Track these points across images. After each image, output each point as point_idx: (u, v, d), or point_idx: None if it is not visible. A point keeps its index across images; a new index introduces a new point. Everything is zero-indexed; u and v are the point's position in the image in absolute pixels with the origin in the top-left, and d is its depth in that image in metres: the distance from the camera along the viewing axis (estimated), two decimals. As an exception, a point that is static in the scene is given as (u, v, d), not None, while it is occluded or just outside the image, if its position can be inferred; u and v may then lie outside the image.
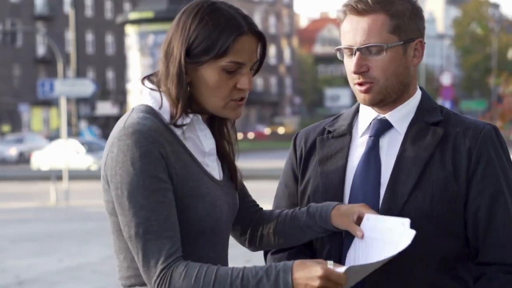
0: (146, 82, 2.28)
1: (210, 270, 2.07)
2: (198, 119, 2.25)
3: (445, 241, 2.32)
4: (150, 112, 2.20)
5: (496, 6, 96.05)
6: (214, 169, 2.29)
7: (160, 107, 2.21)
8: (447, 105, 47.64)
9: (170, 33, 2.23)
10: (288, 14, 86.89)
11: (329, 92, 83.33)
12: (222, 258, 2.28)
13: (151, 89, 2.25)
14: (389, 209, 2.31)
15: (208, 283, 2.06)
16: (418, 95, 2.46)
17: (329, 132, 2.51)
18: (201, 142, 2.26)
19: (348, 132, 2.47)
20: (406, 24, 2.36)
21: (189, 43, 2.18)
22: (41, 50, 65.71)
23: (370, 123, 2.44)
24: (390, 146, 2.40)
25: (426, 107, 2.44)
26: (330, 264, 2.05)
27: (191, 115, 2.23)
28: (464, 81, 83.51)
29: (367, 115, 2.46)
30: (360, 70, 2.34)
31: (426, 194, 2.31)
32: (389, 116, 2.42)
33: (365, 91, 2.36)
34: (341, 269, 2.04)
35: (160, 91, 2.23)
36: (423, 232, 2.23)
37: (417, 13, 2.39)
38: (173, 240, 2.11)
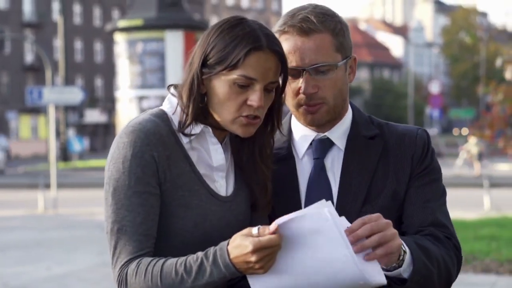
0: (172, 88, 2.30)
1: (159, 262, 2.09)
2: (209, 131, 2.25)
3: None
4: (160, 116, 2.23)
5: (484, 14, 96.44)
6: (222, 185, 2.28)
7: (174, 113, 2.24)
8: (436, 113, 47.71)
9: (197, 44, 2.25)
10: (277, 21, 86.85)
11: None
12: None
13: (172, 94, 2.28)
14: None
15: (156, 275, 2.07)
16: (350, 109, 2.46)
17: None
18: (209, 156, 2.26)
19: (290, 155, 2.42)
20: (346, 41, 2.36)
21: (207, 53, 2.19)
22: (29, 58, 65.55)
23: (311, 143, 2.41)
24: (335, 165, 2.40)
25: (359, 120, 2.44)
26: (255, 230, 2.00)
27: (201, 126, 2.23)
28: (452, 90, 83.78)
29: (304, 134, 2.42)
30: (312, 91, 2.31)
31: (376, 206, 2.32)
32: (329, 134, 2.40)
33: (314, 112, 2.34)
34: (270, 228, 1.98)
35: (178, 98, 2.25)
36: None
37: (347, 29, 2.39)
38: (142, 244, 2.14)
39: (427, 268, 2.21)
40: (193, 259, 2.06)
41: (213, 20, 64.05)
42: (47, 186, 21.02)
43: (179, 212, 2.18)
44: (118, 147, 2.17)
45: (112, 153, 2.19)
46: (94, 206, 18.84)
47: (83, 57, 69.49)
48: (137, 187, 2.14)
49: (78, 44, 68.88)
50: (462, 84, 78.60)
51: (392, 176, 2.35)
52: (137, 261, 2.11)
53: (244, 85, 2.17)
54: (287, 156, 2.42)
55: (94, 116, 65.66)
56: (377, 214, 2.07)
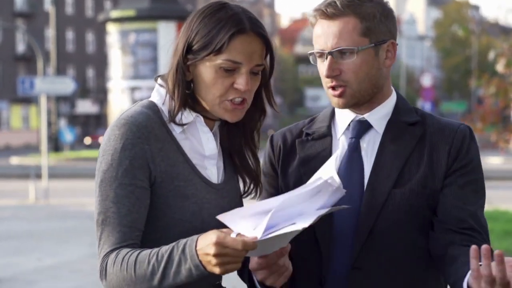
0: (159, 79, 2.30)
1: (134, 253, 2.09)
2: (201, 121, 2.26)
3: (423, 236, 2.35)
4: (150, 107, 2.22)
5: (476, 8, 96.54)
6: (213, 172, 2.29)
7: (163, 103, 2.24)
8: (427, 106, 47.87)
9: (181, 31, 2.25)
10: (270, 13, 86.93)
11: (309, 92, 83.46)
12: None
13: (160, 85, 2.28)
14: (370, 208, 2.33)
15: (131, 265, 2.07)
16: (393, 96, 2.48)
17: (307, 134, 2.51)
18: (201, 145, 2.27)
19: (328, 134, 2.48)
20: (377, 26, 2.37)
21: (191, 39, 2.19)
22: (21, 47, 65.33)
23: (349, 124, 2.45)
24: (370, 147, 2.43)
25: (402, 108, 2.47)
26: (234, 233, 1.99)
27: (193, 115, 2.23)
28: (444, 83, 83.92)
29: (345, 116, 2.47)
30: (333, 74, 2.36)
31: (405, 191, 2.34)
32: (368, 116, 2.43)
33: (339, 95, 2.38)
34: (248, 237, 1.97)
35: (165, 88, 2.25)
36: (402, 228, 2.31)
37: (388, 14, 2.40)
38: (126, 236, 2.13)
39: None
40: (165, 248, 2.05)
41: (206, 11, 63.70)
42: (38, 176, 20.96)
43: (176, 203, 2.18)
44: (109, 139, 2.17)
45: (103, 145, 2.18)
46: (85, 197, 18.80)
47: (75, 47, 69.29)
48: (124, 179, 2.14)
49: (70, 34, 68.66)
50: (454, 77, 78.70)
51: (426, 164, 2.36)
52: (116, 251, 2.12)
53: (230, 69, 2.18)
54: (325, 134, 2.48)
55: (85, 106, 65.53)
56: None
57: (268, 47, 2.25)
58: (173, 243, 2.05)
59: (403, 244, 2.32)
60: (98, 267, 2.17)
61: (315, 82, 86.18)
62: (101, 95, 63.51)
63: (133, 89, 20.77)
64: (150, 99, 2.27)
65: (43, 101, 21.03)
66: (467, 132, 2.40)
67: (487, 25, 79.12)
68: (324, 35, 2.36)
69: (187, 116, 2.23)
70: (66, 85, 22.53)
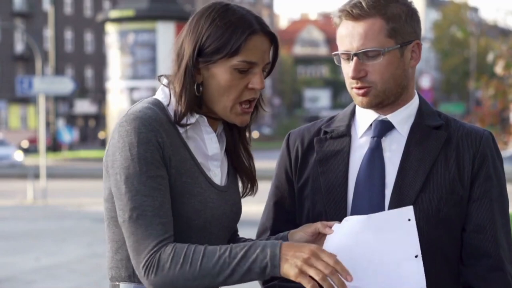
0: (162, 78, 2.30)
1: (199, 248, 2.07)
2: (204, 121, 2.25)
3: (450, 243, 2.33)
4: (156, 104, 2.22)
5: (475, 9, 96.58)
6: (216, 174, 2.29)
7: (168, 104, 2.24)
8: (426, 107, 47.87)
9: (183, 34, 2.25)
10: (268, 14, 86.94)
11: (308, 93, 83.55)
12: None
13: (164, 85, 2.27)
14: None
15: (196, 260, 2.05)
16: (416, 98, 2.47)
17: (326, 132, 2.49)
18: (205, 145, 2.27)
19: (347, 133, 2.46)
20: (403, 27, 2.35)
21: (202, 42, 2.19)
22: (19, 47, 65.32)
23: (371, 124, 2.43)
24: (392, 147, 2.41)
25: (425, 111, 2.45)
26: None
27: (196, 116, 2.23)
28: (443, 84, 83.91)
29: (366, 116, 2.45)
30: (358, 75, 2.34)
31: (433, 197, 2.32)
32: (391, 117, 2.42)
33: (363, 94, 2.36)
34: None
35: (169, 89, 2.25)
36: (429, 234, 2.28)
37: (413, 15, 2.39)
38: (166, 227, 2.11)
39: None
40: (240, 246, 2.06)
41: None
42: (37, 176, 20.95)
43: (183, 198, 2.18)
44: (122, 136, 2.14)
45: (116, 143, 2.15)
46: (84, 197, 18.80)
47: (74, 47, 69.29)
48: (149, 172, 2.12)
49: (68, 34, 68.67)
50: (453, 79, 78.70)
51: (453, 169, 2.35)
52: (172, 245, 2.08)
53: (244, 70, 2.19)
54: (344, 133, 2.46)
55: (84, 106, 65.50)
56: None
57: (275, 45, 2.27)
58: (247, 243, 2.07)
59: (429, 251, 2.26)
60: (138, 263, 2.10)
61: (314, 83, 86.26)
62: (99, 95, 63.49)
63: (131, 89, 20.75)
64: (155, 97, 2.27)
65: (41, 101, 21.02)
66: (490, 139, 2.39)
67: (486, 27, 79.10)
68: (349, 36, 2.34)
69: (191, 117, 2.23)
70: (65, 85, 22.52)
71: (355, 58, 2.33)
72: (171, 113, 2.22)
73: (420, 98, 2.47)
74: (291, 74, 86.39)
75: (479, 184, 2.35)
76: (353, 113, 2.50)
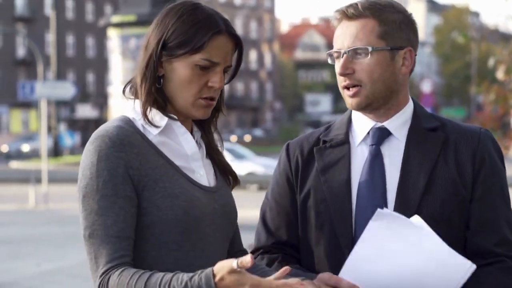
0: (127, 91, 2.33)
1: (143, 277, 2.07)
2: (176, 123, 2.28)
3: (454, 244, 2.31)
4: (122, 120, 2.26)
5: (476, 14, 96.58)
6: (202, 175, 2.30)
7: (138, 118, 2.26)
8: (427, 112, 47.82)
9: (151, 29, 2.29)
10: (270, 19, 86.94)
11: (309, 97, 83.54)
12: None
13: (127, 97, 2.31)
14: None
15: (139, 287, 2.06)
16: (411, 103, 2.49)
17: (325, 142, 2.51)
18: (181, 146, 2.29)
19: (346, 141, 2.48)
20: (396, 32, 2.40)
21: (167, 36, 2.23)
22: (21, 52, 65.36)
23: (368, 132, 2.45)
24: (392, 153, 2.43)
25: (420, 114, 2.47)
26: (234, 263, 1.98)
27: (166, 119, 2.26)
28: (444, 89, 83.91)
29: (363, 124, 2.47)
30: (346, 72, 2.39)
31: (436, 198, 2.35)
32: (387, 124, 2.44)
33: (352, 96, 2.40)
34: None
35: (134, 100, 2.28)
36: None
37: (409, 23, 2.43)
38: (116, 246, 2.13)
39: None
40: (179, 279, 2.04)
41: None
42: (38, 181, 20.96)
43: (166, 203, 2.19)
44: (86, 156, 2.20)
45: (81, 163, 2.21)
46: (85, 202, 18.77)
47: (75, 52, 69.33)
48: (105, 190, 2.15)
49: (70, 39, 68.71)
50: (454, 84, 78.69)
51: (453, 170, 2.37)
52: (120, 270, 2.10)
53: (205, 67, 2.23)
54: (343, 142, 2.48)
55: (85, 111, 65.49)
56: None
57: (239, 48, 2.30)
58: (185, 277, 2.03)
59: None
60: (95, 283, 2.15)
61: (315, 87, 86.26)
62: (101, 100, 63.44)
63: (133, 94, 20.77)
64: (124, 114, 2.30)
65: (43, 106, 21.04)
66: (489, 137, 2.42)
67: (487, 31, 79.11)
68: (342, 35, 2.41)
69: (160, 120, 2.25)
70: (66, 89, 22.55)
71: (344, 55, 2.38)
72: (140, 123, 2.25)
73: (415, 102, 2.50)
74: (292, 78, 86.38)
75: (481, 183, 2.37)
76: (349, 120, 2.52)
